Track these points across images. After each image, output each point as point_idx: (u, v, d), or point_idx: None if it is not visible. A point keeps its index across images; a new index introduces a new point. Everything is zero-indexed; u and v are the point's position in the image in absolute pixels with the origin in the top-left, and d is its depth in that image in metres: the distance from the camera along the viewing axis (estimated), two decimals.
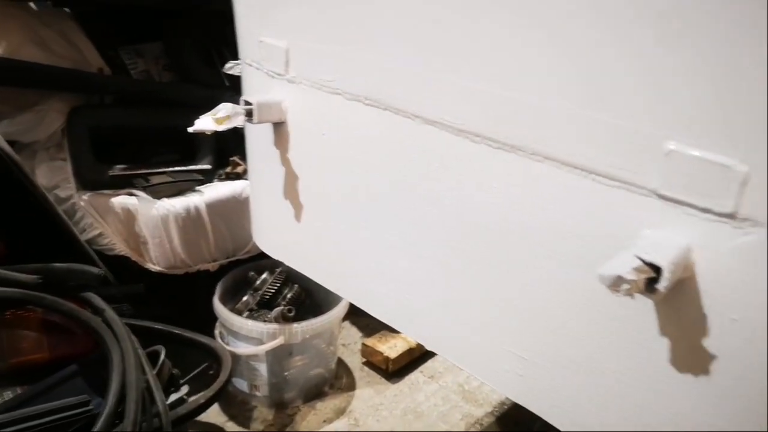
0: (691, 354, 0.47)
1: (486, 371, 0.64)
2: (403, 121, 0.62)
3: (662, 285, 0.42)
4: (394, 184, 0.66)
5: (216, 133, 0.76)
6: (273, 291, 1.30)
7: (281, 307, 1.24)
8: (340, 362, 1.40)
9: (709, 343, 0.46)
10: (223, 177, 1.36)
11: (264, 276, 1.32)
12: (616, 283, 0.42)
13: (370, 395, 1.32)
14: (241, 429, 1.20)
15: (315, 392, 1.30)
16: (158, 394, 0.99)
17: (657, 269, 0.42)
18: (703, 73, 0.42)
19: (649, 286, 0.43)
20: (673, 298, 0.47)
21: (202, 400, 1.06)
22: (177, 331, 1.18)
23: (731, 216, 0.43)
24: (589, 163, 0.49)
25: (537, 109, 0.51)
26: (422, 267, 0.66)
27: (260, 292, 1.30)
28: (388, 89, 0.62)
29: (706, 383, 0.47)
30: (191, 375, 1.16)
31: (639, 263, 0.41)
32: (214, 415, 1.22)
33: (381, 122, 0.64)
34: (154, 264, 1.23)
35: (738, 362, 0.45)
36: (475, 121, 0.56)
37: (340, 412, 1.26)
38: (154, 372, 1.04)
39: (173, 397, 1.09)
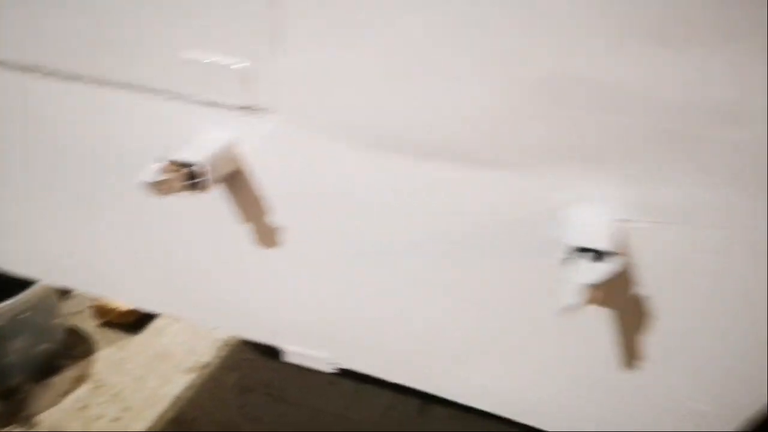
0: (263, 231, 0.55)
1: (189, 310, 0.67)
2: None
3: (200, 180, 0.48)
4: (31, 141, 0.61)
5: None
6: None
7: None
8: (73, 331, 1.33)
9: (271, 219, 0.54)
10: None
11: None
12: (151, 188, 0.46)
13: (112, 353, 1.29)
14: None
15: (47, 369, 1.23)
16: None
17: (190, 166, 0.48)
18: None
19: (196, 184, 0.49)
20: (236, 189, 0.54)
21: None
22: None
23: (251, 108, 0.49)
24: (136, 81, 0.52)
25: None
26: (68, 214, 0.64)
27: None
28: None
29: (280, 254, 0.55)
30: None
31: (161, 165, 0.46)
32: None
33: None
34: None
35: (306, 230, 0.54)
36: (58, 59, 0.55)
37: (80, 380, 1.22)
38: None
39: None
